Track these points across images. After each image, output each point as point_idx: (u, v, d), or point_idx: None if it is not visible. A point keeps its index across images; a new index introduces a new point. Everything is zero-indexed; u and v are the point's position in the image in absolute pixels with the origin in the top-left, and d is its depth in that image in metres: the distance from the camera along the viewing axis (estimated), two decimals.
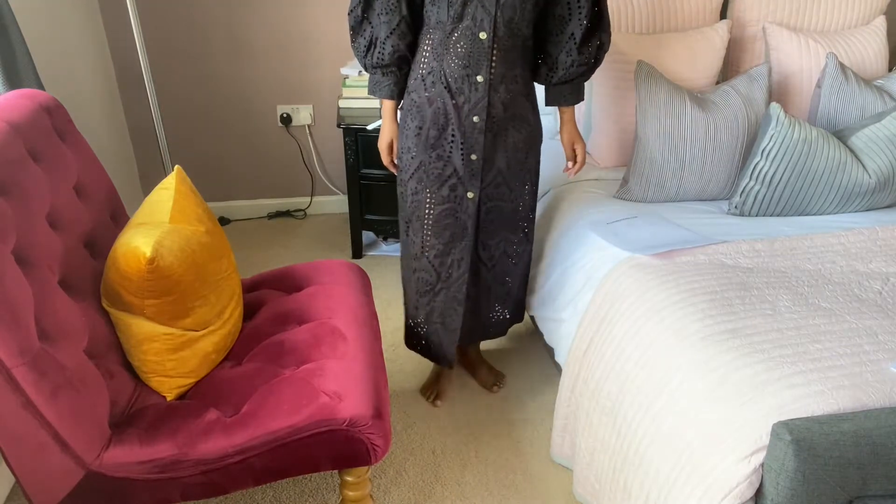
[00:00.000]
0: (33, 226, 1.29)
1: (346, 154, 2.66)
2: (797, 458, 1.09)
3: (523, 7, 1.57)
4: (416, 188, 1.76)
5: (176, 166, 1.55)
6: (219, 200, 3.19)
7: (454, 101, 1.64)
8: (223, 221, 3.19)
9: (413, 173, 1.75)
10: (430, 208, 1.76)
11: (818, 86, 2.15)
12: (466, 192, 1.73)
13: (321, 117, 3.08)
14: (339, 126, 2.62)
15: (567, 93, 1.76)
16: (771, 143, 1.85)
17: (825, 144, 1.86)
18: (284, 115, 3.04)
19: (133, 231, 1.36)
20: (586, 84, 2.04)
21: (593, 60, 1.72)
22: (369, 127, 2.57)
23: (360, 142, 2.63)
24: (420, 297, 1.89)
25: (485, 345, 2.38)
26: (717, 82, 2.21)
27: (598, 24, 1.68)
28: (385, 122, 1.78)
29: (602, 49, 1.72)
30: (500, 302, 2.01)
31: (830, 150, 1.87)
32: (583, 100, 1.81)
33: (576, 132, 1.85)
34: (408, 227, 1.83)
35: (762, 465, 1.16)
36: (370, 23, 1.66)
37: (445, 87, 1.64)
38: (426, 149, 1.71)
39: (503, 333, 2.13)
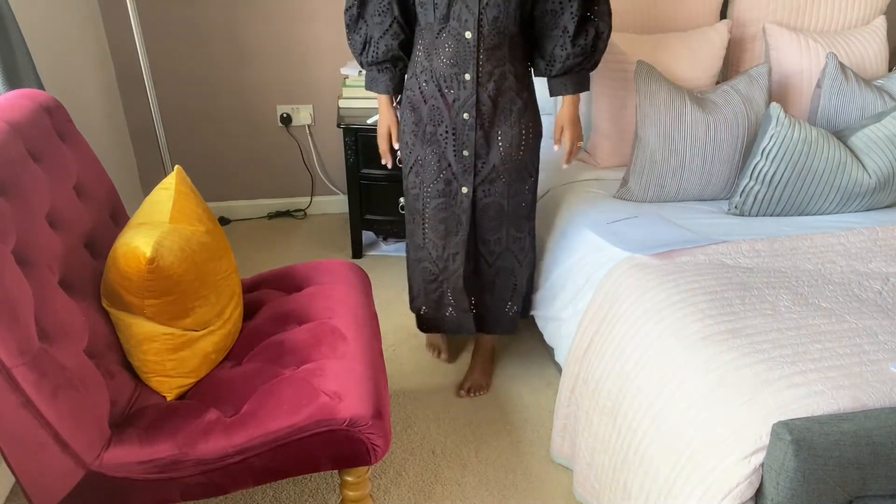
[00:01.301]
0: (33, 226, 1.29)
1: (346, 154, 2.66)
2: (797, 458, 1.09)
3: (507, 6, 1.58)
4: (414, 182, 1.83)
5: (176, 166, 1.55)
6: (219, 200, 3.19)
7: (445, 100, 1.69)
8: (223, 221, 3.19)
9: (412, 167, 1.81)
10: (427, 201, 1.82)
11: (818, 86, 2.15)
12: (461, 187, 1.77)
13: (321, 117, 3.08)
14: (339, 126, 2.62)
15: (568, 83, 1.76)
16: (771, 143, 1.86)
17: (825, 144, 1.86)
18: (284, 115, 3.04)
19: (133, 231, 1.36)
20: (591, 86, 2.09)
21: (591, 50, 1.70)
22: (369, 121, 2.59)
23: (359, 142, 2.62)
24: (427, 284, 1.96)
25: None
26: (717, 82, 2.21)
27: (593, 14, 1.67)
28: (382, 112, 1.84)
29: (599, 38, 1.70)
30: (507, 298, 2.01)
31: (830, 150, 1.87)
32: (588, 89, 1.79)
33: (569, 116, 1.82)
34: (413, 217, 1.89)
35: (762, 465, 1.16)
36: (365, 21, 1.72)
37: (436, 86, 1.69)
38: (423, 144, 1.76)
39: (513, 330, 2.09)
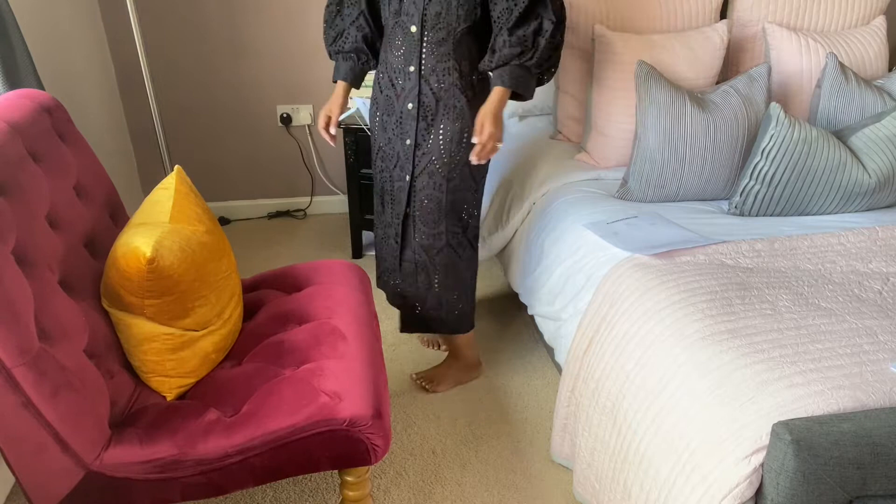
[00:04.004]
0: (33, 226, 1.29)
1: (346, 154, 2.66)
2: (797, 458, 1.09)
3: (449, 2, 1.66)
4: (381, 166, 1.94)
5: (176, 166, 1.55)
6: (219, 200, 3.19)
7: (395, 90, 1.80)
8: (223, 221, 3.19)
9: (377, 153, 1.93)
10: (392, 184, 1.92)
11: (818, 86, 2.15)
12: (405, 174, 1.87)
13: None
14: (339, 126, 2.62)
15: (505, 75, 1.68)
16: (771, 143, 1.85)
17: (825, 144, 1.86)
18: (284, 115, 3.04)
19: (133, 231, 1.36)
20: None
21: (531, 44, 1.66)
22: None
23: (359, 142, 2.63)
24: (394, 260, 2.04)
25: (482, 343, 2.38)
26: (717, 82, 2.21)
27: (536, 7, 1.65)
28: (333, 97, 1.92)
29: (541, 34, 1.66)
30: (452, 293, 2.00)
31: (830, 150, 1.87)
32: (528, 92, 1.73)
33: (491, 110, 1.68)
34: (382, 198, 1.99)
35: (762, 465, 1.16)
36: (342, 17, 1.87)
37: (389, 78, 1.80)
38: (382, 132, 1.88)
39: (458, 329, 2.07)
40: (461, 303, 2.03)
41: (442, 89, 1.75)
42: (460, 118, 1.78)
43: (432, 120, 1.78)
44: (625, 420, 1.49)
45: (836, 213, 1.97)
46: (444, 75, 1.73)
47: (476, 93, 1.79)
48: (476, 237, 1.99)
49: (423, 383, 2.15)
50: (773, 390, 1.23)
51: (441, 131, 1.78)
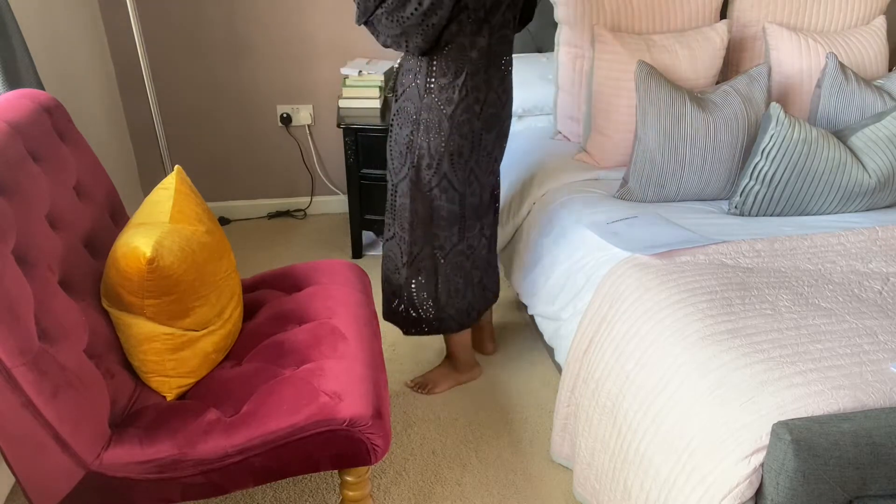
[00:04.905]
0: (33, 226, 1.29)
1: (346, 154, 2.66)
2: (797, 458, 1.09)
3: None
4: None
5: (176, 166, 1.55)
6: (219, 200, 3.19)
7: None
8: (223, 221, 3.19)
9: None
10: None
11: (818, 86, 2.15)
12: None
13: (321, 117, 3.08)
14: (339, 126, 2.62)
15: None
16: (771, 143, 1.86)
17: (825, 144, 1.86)
18: (284, 115, 3.04)
19: (133, 231, 1.36)
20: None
21: None
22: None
23: (359, 142, 2.62)
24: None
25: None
26: (717, 82, 2.21)
27: None
28: None
29: None
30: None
31: (830, 150, 1.87)
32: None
33: None
34: None
35: (762, 465, 1.16)
36: None
37: None
38: None
39: (400, 326, 2.11)
40: (399, 300, 2.01)
41: (401, 82, 1.74)
42: (401, 112, 1.76)
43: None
44: (625, 420, 1.49)
45: (836, 213, 1.97)
46: (402, 68, 1.74)
47: (420, 89, 1.69)
48: (399, 249, 1.93)
49: (418, 390, 2.14)
50: (773, 390, 1.23)
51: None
